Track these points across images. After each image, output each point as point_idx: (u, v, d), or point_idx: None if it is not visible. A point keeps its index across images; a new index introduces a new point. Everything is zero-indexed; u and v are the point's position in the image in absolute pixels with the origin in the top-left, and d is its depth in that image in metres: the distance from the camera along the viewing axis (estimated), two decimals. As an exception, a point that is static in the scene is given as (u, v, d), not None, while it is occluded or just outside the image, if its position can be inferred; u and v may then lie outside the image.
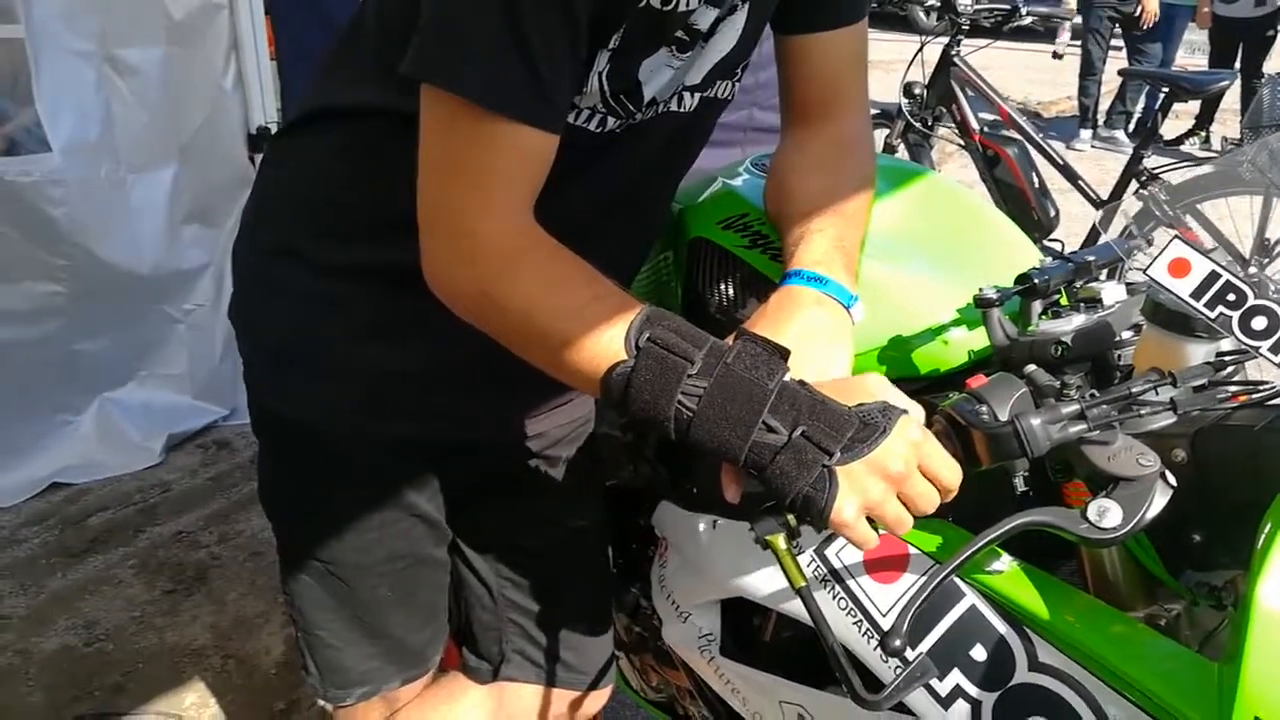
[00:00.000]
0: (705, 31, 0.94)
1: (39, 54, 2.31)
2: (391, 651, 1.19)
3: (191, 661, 2.08)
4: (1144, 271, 0.78)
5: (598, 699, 1.29)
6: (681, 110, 1.00)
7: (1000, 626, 0.85)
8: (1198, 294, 0.77)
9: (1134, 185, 3.45)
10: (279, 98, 2.75)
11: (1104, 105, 6.64)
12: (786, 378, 0.78)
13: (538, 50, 0.79)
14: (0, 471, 2.56)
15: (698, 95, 1.01)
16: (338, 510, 1.11)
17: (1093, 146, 6.35)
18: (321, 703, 1.22)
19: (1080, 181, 3.79)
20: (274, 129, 2.70)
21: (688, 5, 0.88)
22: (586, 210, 0.98)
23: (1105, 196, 3.66)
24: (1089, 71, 6.34)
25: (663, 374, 0.78)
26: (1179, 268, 0.77)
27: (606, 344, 0.80)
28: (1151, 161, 3.50)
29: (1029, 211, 3.55)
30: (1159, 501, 0.77)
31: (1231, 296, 0.76)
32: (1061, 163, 3.82)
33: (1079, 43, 6.59)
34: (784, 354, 0.79)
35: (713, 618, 1.13)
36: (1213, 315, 0.76)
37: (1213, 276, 0.76)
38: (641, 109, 0.95)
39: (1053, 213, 3.63)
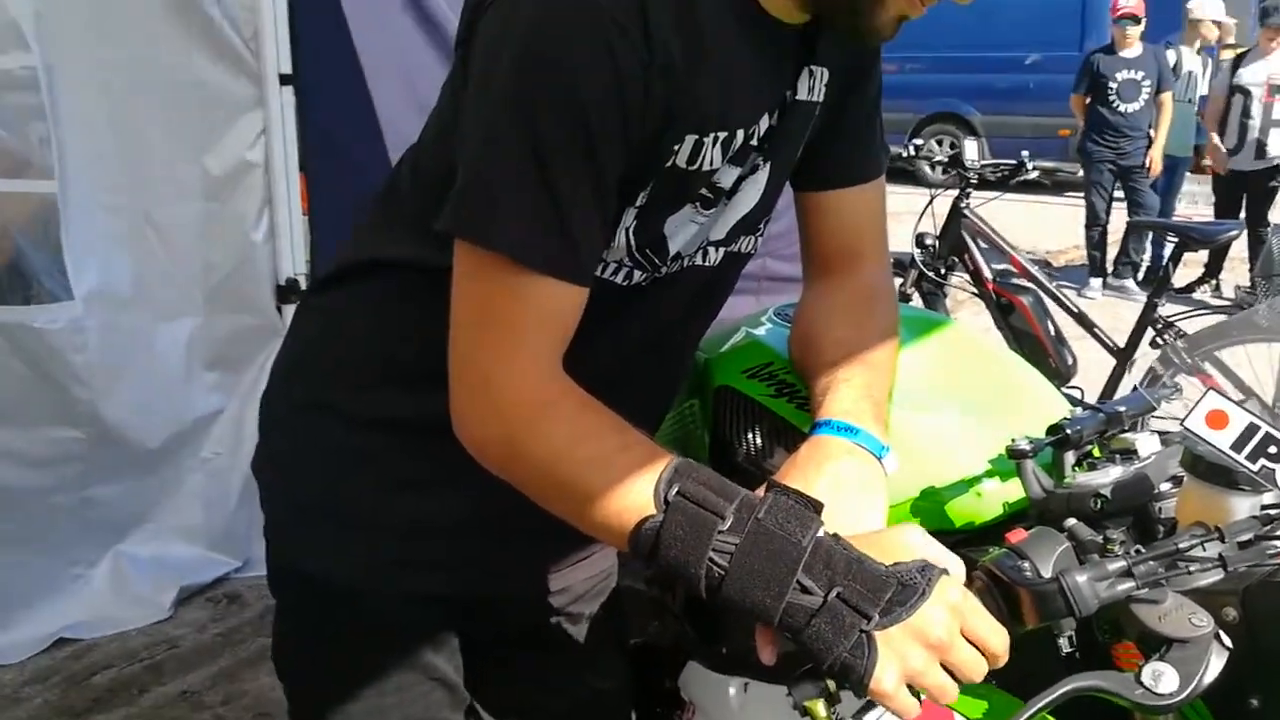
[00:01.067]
0: (728, 189, 0.96)
1: (69, 206, 2.39)
2: None
3: (189, 839, 1.97)
4: (1181, 424, 0.78)
5: None
6: (706, 264, 1.02)
7: (1056, 804, 0.80)
8: (1238, 446, 0.76)
9: (1150, 334, 3.47)
10: (309, 250, 2.83)
11: (1112, 254, 6.76)
12: (821, 532, 0.76)
13: (567, 208, 0.81)
14: (8, 627, 2.51)
15: (722, 250, 1.03)
16: (356, 671, 1.07)
17: (1104, 294, 6.43)
18: None
19: (1096, 329, 3.82)
20: (302, 280, 2.76)
21: (711, 164, 0.91)
22: (613, 360, 0.98)
23: (1121, 344, 3.68)
24: (1094, 222, 6.50)
25: (693, 530, 0.76)
26: (1216, 419, 0.76)
27: (635, 497, 0.79)
28: (1166, 309, 3.53)
29: (1047, 359, 3.56)
30: (1215, 664, 0.74)
31: (1273, 449, 0.75)
32: (1075, 310, 3.86)
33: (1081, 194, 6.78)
34: (817, 507, 0.77)
35: (744, 790, 1.08)
36: (1255, 468, 0.75)
37: (1252, 429, 0.75)
38: (667, 263, 0.97)
39: (1070, 360, 3.65)
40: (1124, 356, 3.54)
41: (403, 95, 2.94)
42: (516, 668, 1.16)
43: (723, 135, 0.90)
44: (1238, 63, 6.08)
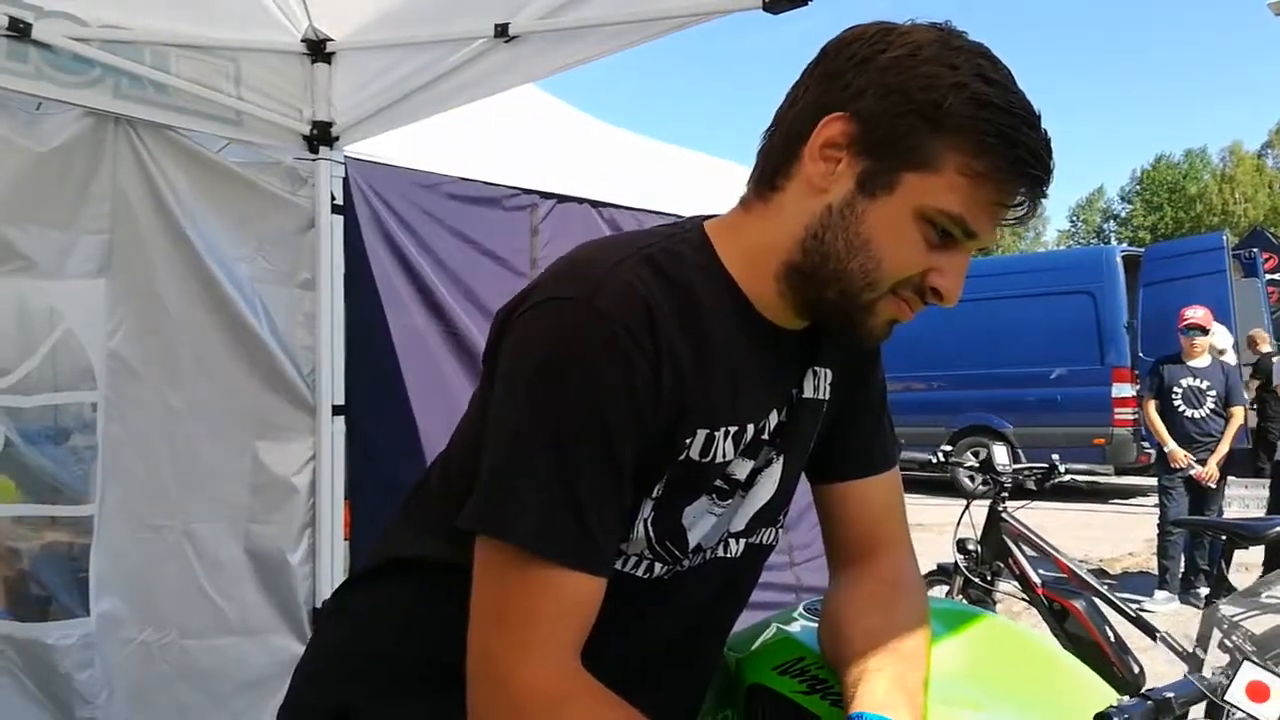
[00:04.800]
0: (744, 481, 1.00)
1: (104, 527, 2.47)
2: None
3: None
4: (1221, 699, 0.74)
5: None
6: (728, 556, 1.03)
7: None
8: (1290, 721, 0.72)
9: (1218, 635, 3.29)
10: (347, 574, 2.85)
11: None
12: None
13: (585, 500, 0.84)
14: None
15: (743, 541, 1.04)
16: None
17: (1169, 606, 6.12)
18: None
19: (1159, 633, 3.63)
20: (339, 605, 2.76)
21: (724, 457, 0.95)
22: (638, 656, 0.97)
23: (1190, 650, 3.48)
24: (1169, 532, 6.30)
25: None
26: (1257, 692, 0.73)
27: None
28: (1229, 610, 3.37)
29: (1110, 668, 3.36)
30: None
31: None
32: (1133, 615, 3.69)
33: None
34: None
35: None
36: (1313, 744, 0.71)
37: (1300, 710, 0.72)
38: (688, 555, 0.98)
39: (1136, 669, 3.43)
40: (1195, 661, 3.33)
41: (443, 420, 3.11)
42: None
43: (733, 429, 0.95)
44: None
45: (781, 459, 1.03)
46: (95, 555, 2.48)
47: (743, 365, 0.95)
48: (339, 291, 2.79)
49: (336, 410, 2.79)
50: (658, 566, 0.97)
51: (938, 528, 5.76)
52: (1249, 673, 0.73)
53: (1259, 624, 3.19)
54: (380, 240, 3.08)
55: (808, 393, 1.05)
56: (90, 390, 2.48)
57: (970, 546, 3.87)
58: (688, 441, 0.92)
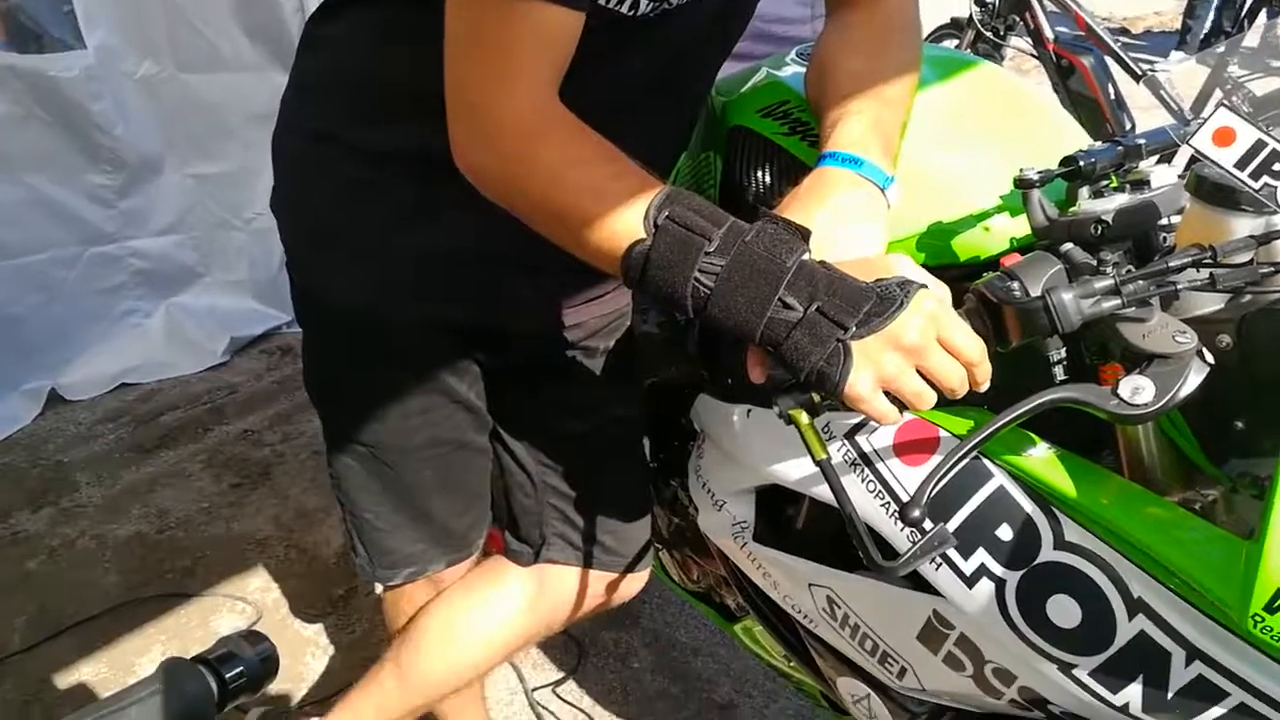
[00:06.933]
0: None
1: None
2: (436, 535, 1.23)
3: (256, 550, 2.18)
4: (1187, 142, 0.75)
5: (635, 581, 1.32)
6: None
7: (1027, 506, 0.85)
8: (1242, 164, 0.74)
9: (1218, 94, 3.27)
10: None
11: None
12: (805, 256, 0.77)
13: None
14: (72, 368, 2.69)
15: None
16: (380, 394, 1.14)
17: (1182, 66, 5.99)
18: (370, 583, 1.28)
19: (1162, 91, 3.60)
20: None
21: None
22: (619, 95, 0.96)
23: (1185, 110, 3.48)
24: None
25: (680, 251, 0.78)
26: (1223, 137, 0.74)
27: (626, 222, 0.80)
28: (1238, 70, 3.31)
29: (1104, 124, 3.40)
30: (1194, 379, 0.75)
31: (1277, 166, 0.73)
32: (1141, 72, 3.63)
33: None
34: (804, 234, 0.78)
35: (746, 506, 1.15)
36: (1257, 185, 0.73)
37: (1259, 145, 0.73)
38: None
39: (1129, 125, 3.47)
40: (1184, 119, 3.36)
41: None
42: (536, 394, 1.22)
43: None
44: None
45: None
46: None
47: None
48: None
49: None
50: (644, 3, 0.92)
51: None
52: (1221, 118, 0.73)
53: (1264, 85, 3.16)
54: None
55: None
56: None
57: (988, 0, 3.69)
58: None
